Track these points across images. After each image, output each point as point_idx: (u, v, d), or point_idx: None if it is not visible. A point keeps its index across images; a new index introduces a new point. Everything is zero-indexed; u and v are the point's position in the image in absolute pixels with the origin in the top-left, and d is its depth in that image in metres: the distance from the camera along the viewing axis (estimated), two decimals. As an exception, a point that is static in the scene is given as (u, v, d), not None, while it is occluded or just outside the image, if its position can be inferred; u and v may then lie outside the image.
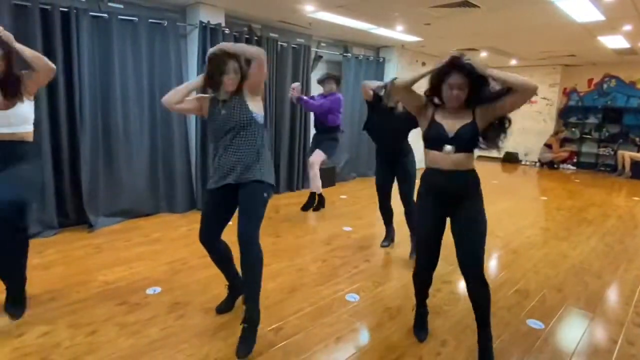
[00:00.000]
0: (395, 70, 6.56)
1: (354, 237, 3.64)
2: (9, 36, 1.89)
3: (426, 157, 1.94)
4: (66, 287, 2.49)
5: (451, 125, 1.85)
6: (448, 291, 2.64)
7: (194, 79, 2.11)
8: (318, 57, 5.63)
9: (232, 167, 1.97)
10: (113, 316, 2.19)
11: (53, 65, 2.03)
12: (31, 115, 2.08)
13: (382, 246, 3.39)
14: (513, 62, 8.12)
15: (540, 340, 2.11)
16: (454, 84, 1.79)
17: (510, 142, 9.09)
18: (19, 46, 1.93)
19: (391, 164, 3.12)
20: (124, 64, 3.66)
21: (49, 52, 3.18)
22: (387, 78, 6.50)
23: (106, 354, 1.86)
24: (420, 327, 2.13)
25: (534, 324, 2.27)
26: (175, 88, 2.11)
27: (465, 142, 1.84)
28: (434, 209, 1.94)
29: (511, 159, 9.04)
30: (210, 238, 2.12)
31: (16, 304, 2.14)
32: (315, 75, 5.69)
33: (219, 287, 2.45)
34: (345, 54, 5.82)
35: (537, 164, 8.71)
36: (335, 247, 3.39)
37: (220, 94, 2.02)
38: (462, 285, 2.74)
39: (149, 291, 2.48)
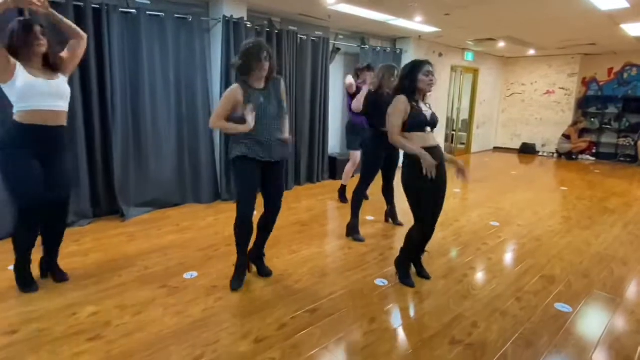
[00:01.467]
0: (412, 62, 6.56)
1: (377, 226, 3.71)
2: (48, 7, 2.09)
3: (412, 139, 2.35)
4: (107, 272, 2.62)
5: (425, 110, 2.39)
6: (474, 277, 2.70)
7: (243, 126, 2.23)
8: (336, 50, 5.67)
9: (276, 147, 2.35)
10: (156, 298, 2.30)
11: (85, 34, 2.32)
12: (69, 94, 2.27)
13: (399, 224, 3.66)
14: (531, 52, 8.04)
15: (569, 323, 2.16)
16: (430, 72, 2.34)
17: (527, 133, 9.05)
18: (58, 16, 2.17)
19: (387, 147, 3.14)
20: (152, 58, 3.77)
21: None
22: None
23: (155, 331, 1.98)
24: None
25: (562, 307, 2.32)
26: (224, 125, 2.32)
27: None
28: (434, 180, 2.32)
29: (528, 150, 8.97)
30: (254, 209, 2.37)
31: (59, 270, 2.48)
32: (334, 67, 5.76)
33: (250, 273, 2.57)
34: (362, 46, 5.85)
35: (555, 155, 8.64)
36: (363, 234, 3.46)
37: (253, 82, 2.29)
38: (486, 271, 2.80)
39: (187, 275, 2.60)
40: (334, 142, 6.05)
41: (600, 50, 7.65)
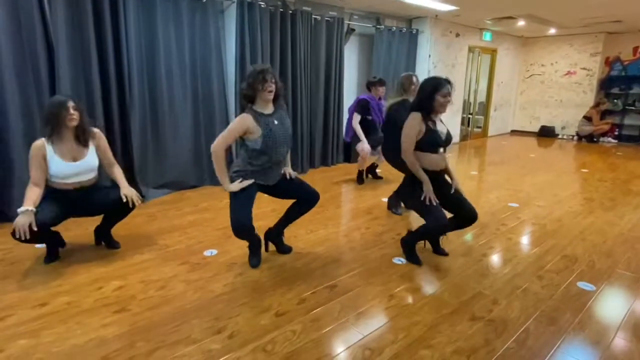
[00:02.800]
0: (429, 42, 6.42)
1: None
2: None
3: (421, 159, 2.39)
4: (130, 249, 2.68)
5: (441, 130, 2.40)
6: (493, 256, 2.68)
7: (226, 184, 2.29)
8: (350, 30, 5.57)
9: (276, 171, 2.41)
10: (178, 274, 2.35)
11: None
12: (97, 166, 2.52)
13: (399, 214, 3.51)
14: (551, 31, 7.77)
15: (592, 301, 2.13)
16: (447, 94, 2.31)
17: (546, 116, 8.83)
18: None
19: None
20: (168, 41, 3.77)
21: (99, 31, 3.33)
22: (421, 51, 6.39)
23: (178, 305, 2.02)
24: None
25: (585, 285, 2.29)
26: (220, 162, 2.27)
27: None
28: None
29: (547, 133, 8.76)
30: (250, 220, 2.31)
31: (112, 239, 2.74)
32: (348, 48, 5.67)
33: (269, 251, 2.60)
34: (377, 26, 5.73)
35: (575, 137, 8.41)
36: (376, 216, 3.46)
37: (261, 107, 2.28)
38: (505, 251, 2.77)
39: (207, 253, 2.64)
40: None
41: (625, 28, 7.35)
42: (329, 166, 5.38)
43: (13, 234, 2.16)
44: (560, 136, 8.72)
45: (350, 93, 5.94)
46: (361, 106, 4.28)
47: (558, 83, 8.60)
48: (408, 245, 2.57)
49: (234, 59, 4.15)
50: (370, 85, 4.39)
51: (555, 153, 7.08)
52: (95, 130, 2.52)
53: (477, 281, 2.31)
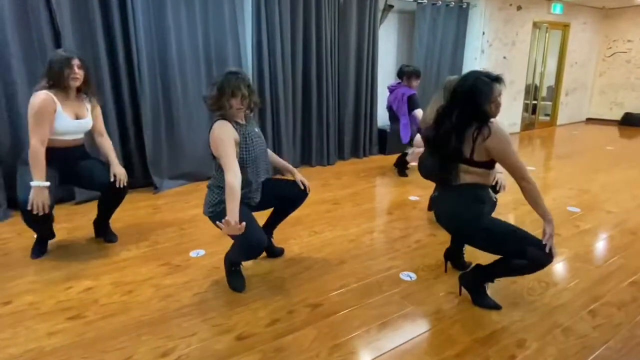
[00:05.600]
0: (483, 18, 5.61)
1: (420, 207, 3.19)
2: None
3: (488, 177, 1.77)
4: (120, 244, 2.53)
5: None
6: (533, 276, 2.10)
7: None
8: (388, 7, 5.00)
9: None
10: (153, 277, 2.14)
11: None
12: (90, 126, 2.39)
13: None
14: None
15: (668, 354, 1.53)
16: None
17: (632, 101, 7.49)
18: None
19: None
20: (178, 23, 3.55)
21: (106, 14, 3.21)
22: (472, 28, 5.61)
23: (135, 315, 1.80)
24: None
25: (659, 329, 1.68)
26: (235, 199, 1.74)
27: None
28: None
29: (632, 122, 7.43)
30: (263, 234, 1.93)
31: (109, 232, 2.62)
32: (385, 28, 5.12)
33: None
34: (420, 1, 5.09)
35: (669, 127, 7.02)
36: (397, 217, 3.00)
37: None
38: (551, 271, 2.18)
39: (193, 254, 2.40)
40: (385, 112, 5.47)
41: None
42: (360, 158, 4.93)
43: (25, 212, 2.06)
44: (649, 125, 7.34)
45: (388, 77, 5.38)
46: (414, 101, 3.88)
47: (649, 61, 7.21)
48: (476, 285, 1.87)
49: (251, 42, 3.85)
50: (405, 75, 3.90)
51: (641, 145, 5.92)
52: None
53: (503, 312, 1.80)
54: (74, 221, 2.91)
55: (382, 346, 1.59)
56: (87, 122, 2.33)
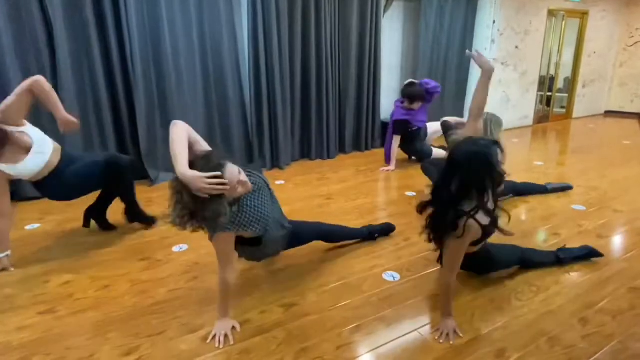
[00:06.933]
0: (493, 6, 5.37)
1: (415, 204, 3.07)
2: None
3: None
4: (106, 239, 2.52)
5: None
6: (524, 279, 1.99)
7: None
8: (393, -4, 4.84)
9: None
10: (131, 271, 2.11)
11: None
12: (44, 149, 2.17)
13: None
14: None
15: (662, 368, 1.41)
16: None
17: (654, 93, 7.11)
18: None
19: None
20: (172, 14, 3.47)
21: (98, 5, 3.17)
22: (482, 17, 5.38)
23: (107, 311, 1.77)
24: None
25: (655, 341, 1.55)
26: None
27: None
28: None
29: (654, 115, 7.06)
30: None
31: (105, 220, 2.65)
32: (390, 17, 4.96)
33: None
34: (427, -9, 4.90)
35: (694, 121, 6.64)
36: (390, 214, 2.90)
37: None
38: (544, 273, 2.06)
39: (175, 248, 2.37)
40: (389, 104, 5.32)
41: None
42: (362, 151, 4.82)
43: None
44: (672, 119, 6.97)
45: (393, 69, 5.24)
46: (396, 128, 3.95)
47: (674, 51, 6.81)
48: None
49: (247, 32, 3.77)
50: (406, 96, 3.87)
51: (661, 140, 5.61)
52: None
53: (486, 318, 1.70)
54: (66, 213, 2.92)
55: (352, 350, 1.52)
56: (25, 163, 2.09)
